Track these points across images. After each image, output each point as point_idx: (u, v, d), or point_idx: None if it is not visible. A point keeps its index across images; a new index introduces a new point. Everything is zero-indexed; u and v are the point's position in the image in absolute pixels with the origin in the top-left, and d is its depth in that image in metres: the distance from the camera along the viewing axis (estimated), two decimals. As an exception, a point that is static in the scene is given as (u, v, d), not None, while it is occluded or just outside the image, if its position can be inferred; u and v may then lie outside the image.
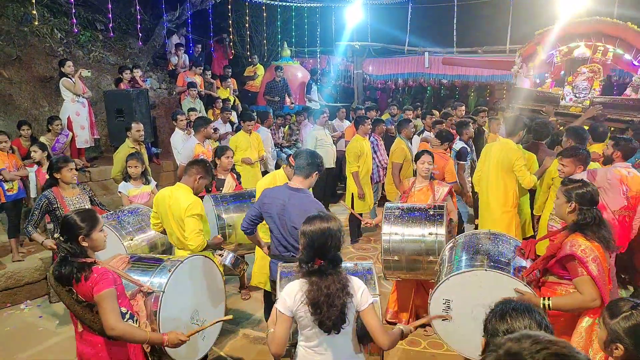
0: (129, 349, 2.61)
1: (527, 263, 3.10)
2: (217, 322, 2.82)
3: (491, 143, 5.39)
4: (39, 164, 5.66)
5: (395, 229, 3.98)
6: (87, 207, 4.27)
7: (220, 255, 3.74)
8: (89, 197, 4.48)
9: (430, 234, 3.87)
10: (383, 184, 7.46)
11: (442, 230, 3.86)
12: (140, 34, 9.68)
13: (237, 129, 8.99)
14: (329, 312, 2.13)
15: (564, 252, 2.74)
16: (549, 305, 2.72)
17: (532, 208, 5.22)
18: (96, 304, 2.42)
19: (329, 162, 7.73)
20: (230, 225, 4.29)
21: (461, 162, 6.11)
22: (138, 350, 2.65)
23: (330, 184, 8.53)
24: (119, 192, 4.96)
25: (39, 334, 4.66)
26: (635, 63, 6.58)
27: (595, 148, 5.17)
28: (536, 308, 1.70)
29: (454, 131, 6.53)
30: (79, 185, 4.51)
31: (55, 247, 4.08)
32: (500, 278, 2.94)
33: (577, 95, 6.90)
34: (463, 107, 8.35)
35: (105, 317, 2.39)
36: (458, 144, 6.25)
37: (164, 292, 2.77)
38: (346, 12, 11.98)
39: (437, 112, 8.71)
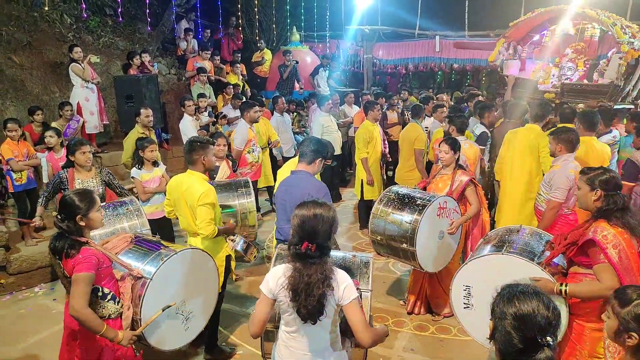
0: None
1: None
2: (157, 316, 2.79)
3: (514, 129, 5.29)
4: (52, 149, 5.67)
5: (383, 211, 4.07)
6: (99, 190, 4.33)
7: (232, 240, 3.76)
8: (105, 181, 4.45)
9: (405, 221, 3.90)
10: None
11: (413, 219, 3.84)
12: (149, 19, 9.66)
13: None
14: (306, 300, 2.12)
15: (585, 238, 2.68)
16: (565, 291, 2.67)
17: None
18: (72, 282, 2.53)
19: (336, 148, 7.70)
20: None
21: (480, 147, 5.88)
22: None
23: (338, 170, 8.50)
24: (132, 177, 4.96)
25: (52, 316, 4.75)
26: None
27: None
28: (543, 292, 1.68)
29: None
30: (98, 169, 4.51)
31: (39, 224, 4.40)
32: (518, 263, 2.91)
33: (564, 76, 6.83)
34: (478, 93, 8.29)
35: (74, 298, 2.49)
36: (479, 128, 6.11)
37: (151, 279, 2.82)
38: (356, -5, 11.84)
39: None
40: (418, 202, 3.96)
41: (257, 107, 6.46)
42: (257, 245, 4.10)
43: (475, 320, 3.12)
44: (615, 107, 6.09)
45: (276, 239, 3.55)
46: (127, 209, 4.00)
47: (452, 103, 8.16)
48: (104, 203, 4.05)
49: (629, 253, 2.59)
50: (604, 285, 2.57)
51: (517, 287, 1.70)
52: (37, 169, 5.96)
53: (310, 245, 2.16)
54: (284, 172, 3.97)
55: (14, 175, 5.56)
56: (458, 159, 4.40)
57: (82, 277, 2.51)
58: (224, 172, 5.17)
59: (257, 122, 6.53)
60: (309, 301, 2.12)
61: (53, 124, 6.75)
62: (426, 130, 6.85)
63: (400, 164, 6.66)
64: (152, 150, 4.92)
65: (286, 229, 3.33)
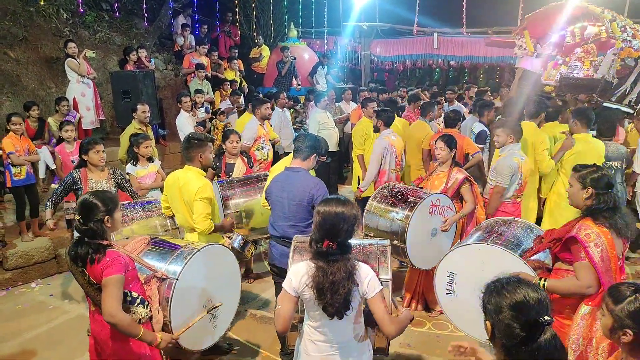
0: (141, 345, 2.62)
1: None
2: (198, 320, 2.80)
3: None
4: (63, 141, 5.60)
5: (376, 206, 4.10)
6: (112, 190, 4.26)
7: (229, 237, 3.76)
8: (117, 182, 4.39)
9: (397, 218, 3.94)
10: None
11: (404, 216, 3.88)
12: (146, 14, 9.61)
13: (244, 111, 8.97)
14: (332, 298, 2.14)
15: (569, 235, 2.69)
16: (544, 285, 2.69)
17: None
18: (102, 287, 2.43)
19: (332, 145, 7.66)
20: (237, 211, 4.27)
21: (479, 146, 5.90)
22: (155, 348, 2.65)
23: (335, 167, 8.48)
24: (127, 173, 4.93)
25: (49, 312, 4.74)
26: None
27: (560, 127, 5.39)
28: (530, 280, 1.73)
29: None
30: (110, 168, 4.46)
31: (54, 227, 4.24)
32: (501, 254, 2.95)
33: (570, 74, 6.85)
34: (475, 88, 8.28)
35: (106, 302, 2.39)
36: (478, 127, 6.10)
37: (177, 279, 2.77)
38: (354, -9, 11.79)
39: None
40: (410, 199, 3.99)
41: (268, 103, 6.42)
42: (255, 243, 4.09)
43: (457, 307, 3.18)
44: (605, 105, 6.06)
45: (270, 234, 3.54)
46: (155, 207, 4.06)
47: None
48: (128, 202, 4.08)
49: (610, 254, 2.59)
50: (581, 282, 2.59)
51: (501, 281, 1.73)
52: (33, 165, 5.93)
53: (331, 243, 2.18)
54: (277, 169, 3.95)
55: (13, 170, 5.53)
56: (454, 156, 4.41)
57: (113, 279, 2.40)
58: (239, 169, 5.07)
59: (268, 119, 6.48)
60: (336, 299, 2.14)
61: (49, 120, 6.73)
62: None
63: (407, 162, 6.52)
64: (146, 147, 4.90)
65: (283, 226, 3.33)
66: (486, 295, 1.74)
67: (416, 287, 4.57)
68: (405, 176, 6.46)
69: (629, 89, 6.23)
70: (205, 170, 3.75)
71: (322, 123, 7.46)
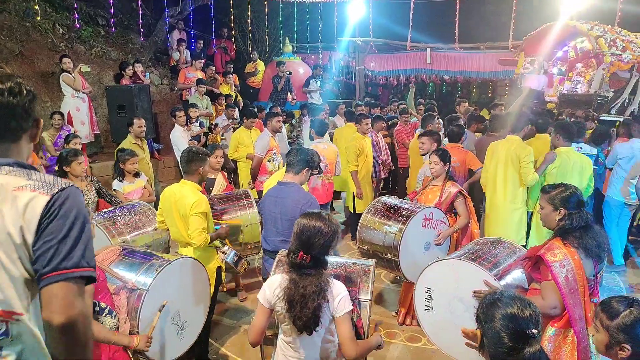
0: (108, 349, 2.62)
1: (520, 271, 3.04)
2: (157, 318, 2.78)
3: (496, 141, 5.37)
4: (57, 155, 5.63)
5: (370, 221, 4.11)
6: (93, 199, 4.34)
7: (223, 252, 3.75)
8: (96, 189, 4.46)
9: (390, 232, 3.95)
10: (382, 179, 7.42)
11: (397, 230, 3.89)
12: (142, 30, 9.68)
13: (238, 126, 9.00)
14: (301, 312, 2.14)
15: (536, 254, 2.66)
16: None
17: None
18: None
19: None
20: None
21: None
22: (120, 352, 2.66)
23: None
24: (114, 190, 4.91)
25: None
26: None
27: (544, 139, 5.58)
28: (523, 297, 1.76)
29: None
30: (87, 177, 4.53)
31: None
32: (473, 270, 2.95)
33: (572, 89, 6.99)
34: (466, 103, 8.35)
35: None
36: (470, 136, 6.23)
37: (147, 291, 2.78)
38: (348, 7, 11.95)
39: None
40: (403, 213, 4.01)
41: (279, 117, 6.48)
42: (247, 259, 4.07)
43: (434, 322, 3.18)
44: (602, 117, 6.17)
45: (263, 248, 3.54)
46: (141, 209, 4.16)
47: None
48: (114, 208, 4.12)
49: (577, 275, 2.55)
50: (546, 302, 2.55)
51: (496, 294, 1.78)
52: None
53: (306, 256, 2.18)
54: (271, 183, 3.98)
55: None
56: (448, 170, 4.43)
57: None
58: (220, 184, 5.08)
59: (279, 132, 6.51)
60: (304, 313, 2.14)
61: (43, 134, 6.72)
62: None
63: (411, 175, 6.57)
64: (132, 163, 4.89)
65: (275, 241, 3.34)
66: (482, 304, 1.78)
67: (411, 301, 4.55)
68: (409, 188, 6.50)
69: (627, 100, 6.33)
70: (199, 184, 3.77)
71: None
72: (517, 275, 3.03)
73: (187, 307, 3.15)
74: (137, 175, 5.00)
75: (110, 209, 4.18)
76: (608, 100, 6.33)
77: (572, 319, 2.54)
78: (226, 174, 5.36)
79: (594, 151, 5.72)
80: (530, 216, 5.19)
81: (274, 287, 2.25)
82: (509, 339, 1.65)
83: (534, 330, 1.64)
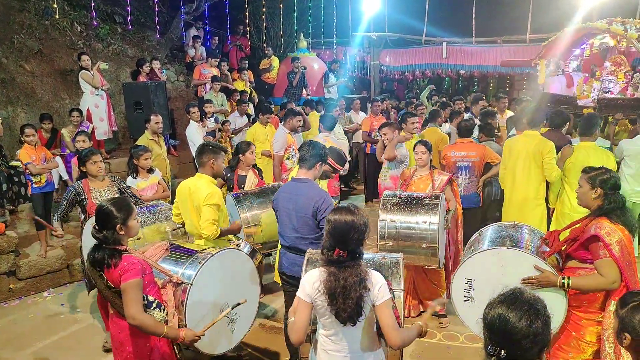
0: (154, 337, 2.68)
1: (549, 249, 3.13)
2: (224, 315, 2.84)
3: (513, 137, 5.29)
4: (77, 152, 5.68)
5: (391, 216, 4.08)
6: None
7: (237, 245, 3.78)
8: (119, 188, 4.45)
9: (424, 222, 3.96)
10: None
11: (435, 219, 3.94)
12: (158, 27, 9.76)
13: (254, 122, 9.03)
14: (344, 303, 2.15)
15: (588, 234, 2.81)
16: (568, 284, 2.79)
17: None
18: (122, 291, 2.50)
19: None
20: (255, 225, 4.29)
21: None
22: (163, 339, 2.70)
23: (344, 178, 8.47)
24: (128, 187, 4.86)
25: (61, 321, 4.79)
26: None
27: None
28: (534, 304, 1.64)
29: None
30: (110, 176, 4.52)
31: (61, 234, 4.30)
32: (521, 256, 2.97)
33: (605, 89, 6.74)
34: (482, 102, 8.23)
35: (128, 306, 2.47)
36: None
37: (191, 284, 2.83)
38: (363, 2, 11.86)
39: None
40: (427, 202, 4.06)
41: (300, 116, 6.47)
42: (266, 256, 4.09)
43: (474, 313, 3.16)
44: None
45: (281, 244, 3.55)
46: (161, 209, 4.18)
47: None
48: (140, 206, 4.15)
49: (629, 249, 2.75)
50: (606, 279, 2.71)
51: (503, 294, 1.73)
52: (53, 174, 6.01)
53: (342, 252, 2.19)
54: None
55: (33, 179, 5.64)
56: (431, 159, 4.71)
57: (132, 284, 2.48)
58: (251, 181, 5.10)
59: (297, 131, 6.50)
60: (348, 304, 2.15)
61: (62, 130, 6.85)
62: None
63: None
64: (146, 159, 4.90)
65: (292, 237, 3.34)
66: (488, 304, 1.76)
67: (408, 287, 4.59)
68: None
69: None
70: (215, 178, 3.81)
71: (334, 133, 7.43)
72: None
73: (234, 299, 3.06)
74: (150, 171, 5.01)
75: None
76: None
77: (630, 289, 2.67)
78: (257, 171, 5.34)
79: (607, 143, 5.64)
80: (549, 212, 5.12)
81: (312, 281, 2.26)
82: (486, 345, 1.67)
83: (490, 349, 1.64)
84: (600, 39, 7.15)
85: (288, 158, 6.29)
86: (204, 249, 3.17)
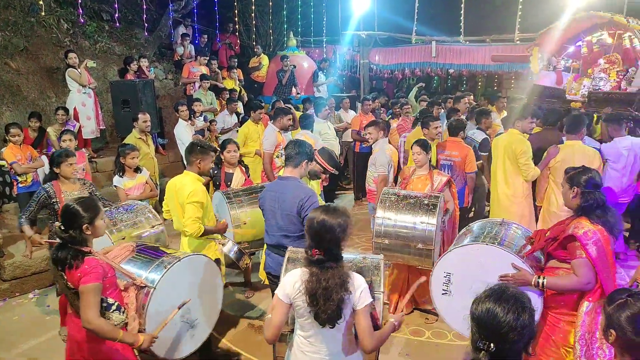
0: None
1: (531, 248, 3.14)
2: (174, 315, 2.80)
3: (499, 135, 5.34)
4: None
5: (389, 214, 4.06)
6: None
7: (222, 244, 3.77)
8: (89, 192, 4.33)
9: (422, 222, 3.93)
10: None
11: (433, 220, 3.91)
12: (146, 24, 9.68)
13: (244, 120, 8.98)
14: (325, 305, 2.13)
15: (566, 233, 2.80)
16: (543, 283, 2.79)
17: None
18: (80, 294, 2.48)
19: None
20: (245, 222, 4.27)
21: (483, 154, 5.91)
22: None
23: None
24: (115, 186, 4.86)
25: (46, 322, 4.73)
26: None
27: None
28: (519, 298, 1.71)
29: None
30: (81, 180, 4.44)
31: (42, 243, 4.07)
32: (499, 254, 3.00)
33: (595, 87, 6.64)
34: (470, 97, 8.28)
35: (84, 309, 2.45)
36: (479, 135, 6.10)
37: (155, 288, 2.80)
38: (353, 1, 11.85)
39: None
40: (426, 202, 4.04)
41: (291, 115, 6.42)
42: (252, 255, 4.07)
43: (451, 306, 3.21)
44: None
45: (266, 243, 3.54)
46: (138, 208, 4.15)
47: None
48: (112, 207, 4.09)
49: (607, 250, 2.72)
50: (581, 279, 2.70)
51: (489, 290, 1.77)
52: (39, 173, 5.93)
53: (319, 251, 2.18)
54: None
55: (19, 179, 5.57)
56: (430, 159, 4.64)
57: (90, 287, 2.46)
58: (238, 179, 5.08)
59: (287, 129, 6.47)
60: (328, 306, 2.13)
61: (49, 129, 6.76)
62: None
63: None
64: (133, 158, 4.83)
65: (277, 236, 3.33)
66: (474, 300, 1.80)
67: (403, 286, 4.58)
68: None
69: None
70: (207, 176, 3.82)
71: (323, 133, 7.36)
72: (534, 255, 3.12)
73: (198, 305, 3.13)
74: (138, 170, 4.94)
75: (106, 209, 4.02)
76: None
77: (606, 291, 2.68)
78: (244, 168, 5.32)
79: (597, 145, 5.64)
80: (537, 210, 5.17)
81: (293, 281, 2.24)
82: (474, 340, 1.71)
83: (480, 344, 1.67)
84: (598, 36, 6.98)
85: (277, 156, 6.26)
86: (173, 253, 3.14)
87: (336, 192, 8.88)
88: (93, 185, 4.52)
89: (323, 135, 7.38)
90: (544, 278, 2.81)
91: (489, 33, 11.07)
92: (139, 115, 6.12)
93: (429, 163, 4.62)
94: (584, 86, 6.82)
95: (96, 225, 2.63)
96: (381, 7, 12.17)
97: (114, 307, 2.63)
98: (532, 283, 2.81)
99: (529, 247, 3.12)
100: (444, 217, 4.33)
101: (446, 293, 3.23)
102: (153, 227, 4.02)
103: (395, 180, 6.19)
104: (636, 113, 5.85)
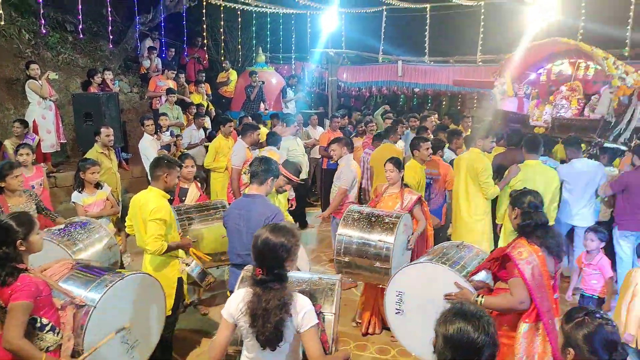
0: None
1: (484, 271, 3.18)
2: (109, 339, 2.72)
3: (461, 155, 5.49)
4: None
5: (350, 231, 4.08)
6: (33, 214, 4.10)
7: (187, 264, 3.70)
8: (35, 204, 4.24)
9: (380, 240, 3.95)
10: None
11: (390, 239, 3.92)
12: (112, 37, 9.52)
13: (211, 135, 8.90)
14: (264, 327, 2.12)
15: (502, 253, 2.85)
16: (481, 302, 2.82)
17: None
18: (7, 311, 2.38)
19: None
20: (194, 241, 4.15)
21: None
22: None
23: (303, 194, 8.45)
24: (73, 202, 4.70)
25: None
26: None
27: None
28: (483, 314, 1.75)
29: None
30: (26, 191, 4.30)
31: None
32: (446, 273, 3.08)
33: (556, 114, 6.76)
34: (435, 116, 8.50)
35: (7, 327, 2.35)
36: (449, 155, 6.21)
37: (95, 307, 2.70)
38: (321, 19, 12.05)
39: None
40: (387, 220, 4.05)
41: (259, 130, 6.40)
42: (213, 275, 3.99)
43: (404, 325, 3.26)
44: (606, 145, 5.97)
45: (230, 262, 3.50)
46: (93, 227, 4.02)
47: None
48: (65, 225, 3.95)
49: (542, 270, 2.74)
50: (514, 298, 2.73)
51: (453, 309, 1.79)
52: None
53: (262, 271, 2.17)
54: None
55: None
56: (403, 177, 4.63)
57: (18, 305, 2.36)
58: (193, 195, 5.01)
59: (256, 145, 6.42)
60: (267, 328, 2.11)
61: (5, 142, 6.52)
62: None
63: (374, 184, 6.43)
64: (93, 173, 4.70)
65: (242, 255, 3.30)
66: (438, 318, 1.81)
67: (374, 306, 4.59)
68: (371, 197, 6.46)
69: (624, 127, 6.12)
70: (168, 192, 3.74)
71: (291, 150, 7.37)
72: (482, 276, 3.16)
73: (139, 325, 3.04)
74: (98, 186, 4.81)
75: (61, 226, 3.96)
76: (611, 127, 6.06)
77: (540, 312, 2.70)
78: (199, 184, 5.27)
79: (557, 165, 5.84)
80: (498, 228, 5.30)
81: (237, 301, 2.23)
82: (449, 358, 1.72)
83: None
84: (559, 64, 7.17)
85: (245, 173, 6.23)
86: (115, 271, 3.07)
87: (305, 208, 8.87)
88: (38, 197, 4.38)
89: (292, 151, 7.40)
90: (482, 297, 2.86)
91: (452, 54, 11.44)
92: (102, 129, 5.99)
93: (401, 181, 4.60)
94: (546, 112, 6.96)
95: (31, 241, 2.55)
96: (349, 27, 12.45)
97: (48, 328, 2.52)
98: (471, 302, 2.83)
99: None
100: (410, 236, 4.33)
101: (399, 312, 3.27)
102: (110, 247, 3.93)
103: (360, 198, 6.25)
104: (599, 139, 6.01)
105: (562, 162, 5.92)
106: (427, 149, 5.20)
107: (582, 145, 5.79)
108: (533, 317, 2.73)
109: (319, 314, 2.42)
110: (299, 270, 3.39)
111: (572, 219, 5.35)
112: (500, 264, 2.87)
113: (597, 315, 1.99)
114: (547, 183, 4.93)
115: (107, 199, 4.84)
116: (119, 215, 5.28)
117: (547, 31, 8.48)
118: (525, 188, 3.07)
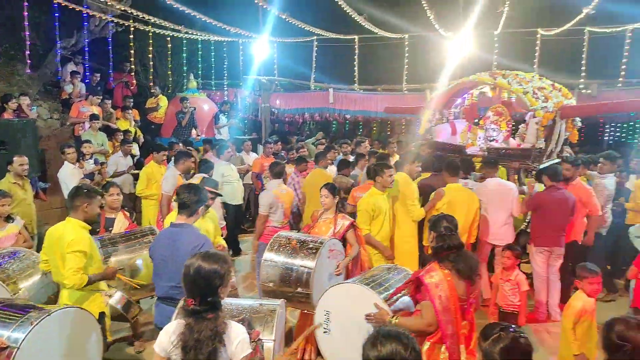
0: None
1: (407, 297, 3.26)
2: None
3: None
4: None
5: (274, 256, 4.09)
6: None
7: (109, 296, 3.51)
8: None
9: (301, 266, 3.98)
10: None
11: (311, 264, 3.95)
12: (30, 61, 9.02)
13: (139, 162, 8.59)
14: (195, 358, 2.08)
15: (415, 277, 2.96)
16: (395, 323, 2.89)
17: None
18: None
19: (237, 198, 7.55)
20: (121, 269, 3.98)
21: None
22: None
23: (238, 220, 8.33)
24: None
25: None
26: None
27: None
28: (407, 334, 1.81)
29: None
30: None
31: None
32: (366, 293, 3.16)
33: (489, 138, 7.02)
34: (366, 142, 8.76)
35: None
36: None
37: (18, 348, 2.52)
38: (253, 47, 12.17)
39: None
40: (311, 246, 4.07)
41: (193, 158, 6.26)
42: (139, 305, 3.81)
43: (333, 345, 3.29)
44: (542, 167, 6.08)
45: (155, 294, 3.36)
46: (25, 255, 3.87)
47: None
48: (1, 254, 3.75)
49: (449, 295, 2.82)
50: (423, 321, 2.83)
51: (380, 332, 1.83)
52: None
53: (194, 301, 2.11)
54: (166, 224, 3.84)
55: None
56: (338, 202, 4.65)
57: None
58: (120, 224, 4.79)
59: (188, 173, 6.26)
60: (199, 358, 2.06)
61: None
62: None
63: (307, 209, 6.41)
64: (3, 205, 4.44)
65: (166, 287, 3.18)
66: (365, 341, 1.84)
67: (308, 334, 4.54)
68: (305, 222, 6.42)
69: (554, 146, 6.45)
70: (89, 223, 3.55)
71: (226, 175, 7.25)
72: (406, 299, 3.24)
73: None
74: (9, 219, 4.53)
75: None
76: (543, 151, 6.34)
77: (443, 335, 2.79)
78: (127, 213, 5.04)
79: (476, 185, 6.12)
80: (425, 249, 5.48)
81: (169, 334, 2.16)
82: None
83: None
84: (480, 89, 7.52)
85: (175, 200, 6.04)
86: (43, 307, 2.89)
87: (238, 236, 8.71)
88: None
89: (226, 177, 7.28)
90: (396, 318, 2.93)
91: (380, 83, 11.98)
92: (15, 158, 5.63)
93: (335, 207, 4.62)
94: (480, 137, 7.17)
95: None
96: (281, 55, 12.67)
97: None
98: (386, 322, 2.90)
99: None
100: (339, 261, 4.33)
101: (327, 332, 3.32)
102: (45, 274, 3.69)
103: (290, 224, 6.22)
104: (535, 165, 6.32)
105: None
106: (390, 175, 5.03)
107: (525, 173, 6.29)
108: (437, 338, 2.82)
109: (258, 340, 2.37)
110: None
111: (492, 239, 5.55)
112: (416, 287, 2.96)
113: (511, 329, 2.10)
114: (469, 204, 5.22)
115: (19, 233, 4.53)
116: (34, 249, 4.92)
117: (466, 65, 9.13)
118: (441, 213, 3.18)
